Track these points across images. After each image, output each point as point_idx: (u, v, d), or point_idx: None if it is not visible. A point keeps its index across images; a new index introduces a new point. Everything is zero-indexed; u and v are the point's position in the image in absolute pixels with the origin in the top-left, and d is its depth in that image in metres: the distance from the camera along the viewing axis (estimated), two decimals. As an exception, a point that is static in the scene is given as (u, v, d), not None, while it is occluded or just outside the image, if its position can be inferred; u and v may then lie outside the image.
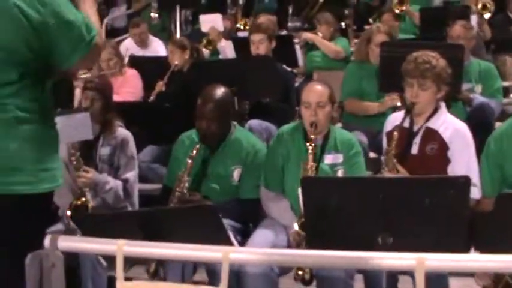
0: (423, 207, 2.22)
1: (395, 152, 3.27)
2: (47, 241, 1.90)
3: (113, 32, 9.77)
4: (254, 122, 4.72)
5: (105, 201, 3.77)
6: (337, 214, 2.31)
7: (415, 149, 3.35)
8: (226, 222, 3.40)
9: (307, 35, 6.37)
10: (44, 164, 2.01)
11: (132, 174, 3.87)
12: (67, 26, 1.94)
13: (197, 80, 4.67)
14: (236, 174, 3.60)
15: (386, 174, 3.21)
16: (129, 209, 3.88)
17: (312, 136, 3.30)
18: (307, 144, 3.29)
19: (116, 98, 5.20)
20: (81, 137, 3.61)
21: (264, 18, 6.64)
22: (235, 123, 3.77)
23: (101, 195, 3.74)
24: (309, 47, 6.48)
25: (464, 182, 2.24)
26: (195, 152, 3.45)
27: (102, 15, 10.18)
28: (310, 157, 3.24)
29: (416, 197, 2.26)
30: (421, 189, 2.27)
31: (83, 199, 3.62)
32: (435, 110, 3.37)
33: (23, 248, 1.90)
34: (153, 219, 2.33)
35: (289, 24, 8.26)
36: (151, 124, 4.76)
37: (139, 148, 5.08)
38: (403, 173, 3.20)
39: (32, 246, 1.89)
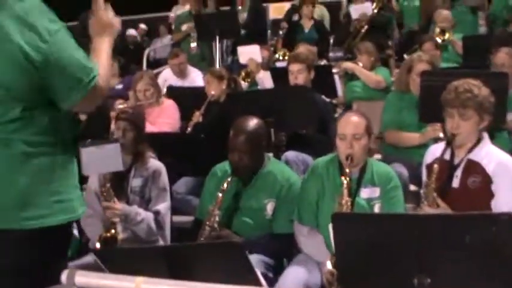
0: (463, 246, 2.05)
1: (436, 185, 3.12)
2: (64, 276, 1.84)
3: (156, 63, 9.90)
4: (291, 154, 4.62)
5: (136, 234, 3.70)
6: (370, 253, 2.16)
7: (456, 183, 3.19)
8: (259, 258, 3.31)
9: (347, 65, 6.26)
10: (57, 196, 1.97)
11: (163, 206, 3.80)
12: (65, 67, 1.91)
13: (233, 110, 4.60)
14: (269, 207, 3.49)
15: (425, 208, 3.06)
16: (161, 242, 3.81)
17: (347, 170, 3.17)
18: (342, 178, 3.16)
19: (153, 128, 5.21)
20: (111, 168, 3.53)
21: (303, 48, 6.57)
22: (269, 155, 3.68)
23: (132, 228, 3.67)
24: (349, 77, 6.36)
25: (508, 219, 2.07)
26: (225, 185, 3.36)
27: (144, 46, 10.33)
28: (345, 192, 3.11)
29: (455, 235, 2.09)
30: (461, 226, 2.11)
31: (113, 231, 3.55)
32: (477, 141, 3.20)
33: (40, 279, 1.87)
34: (178, 255, 2.24)
35: (331, 54, 8.18)
36: (186, 155, 4.70)
37: (175, 179, 5.06)
38: (443, 207, 3.05)
39: (50, 278, 1.85)
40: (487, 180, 3.10)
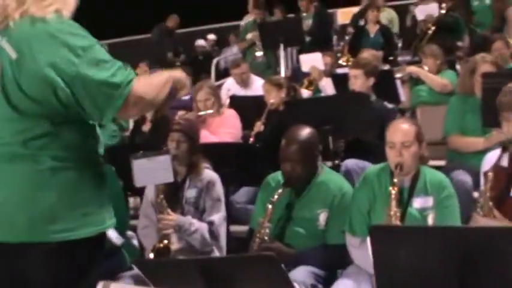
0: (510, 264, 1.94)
1: (492, 194, 2.97)
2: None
3: (225, 72, 9.99)
4: (350, 162, 4.54)
5: (190, 245, 3.72)
6: (409, 268, 2.08)
7: (515, 191, 3.02)
8: (309, 269, 3.27)
9: (412, 69, 6.09)
10: (85, 209, 1.99)
11: (217, 217, 3.81)
12: (96, 81, 1.91)
13: (291, 119, 4.58)
14: (322, 218, 3.43)
15: (480, 218, 2.92)
16: (216, 252, 3.82)
17: (395, 180, 3.07)
18: (390, 188, 3.05)
19: (214, 138, 5.25)
20: (162, 180, 3.59)
21: (367, 54, 6.46)
22: (322, 164, 3.63)
23: (186, 238, 3.70)
24: (415, 81, 6.19)
25: None
26: (276, 197, 3.33)
27: (213, 56, 10.47)
28: (394, 203, 3.02)
29: (504, 251, 1.98)
30: (500, 241, 1.99)
31: (166, 242, 3.59)
32: (538, 145, 3.03)
33: None
34: (214, 267, 2.24)
35: (399, 58, 8.01)
36: (246, 165, 4.70)
37: (236, 189, 5.08)
38: (499, 218, 2.90)
39: None
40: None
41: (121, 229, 3.97)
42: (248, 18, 10.37)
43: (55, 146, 1.95)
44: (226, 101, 6.18)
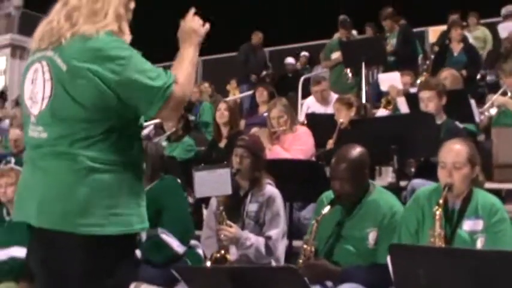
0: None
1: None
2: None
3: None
4: (417, 182, 4.54)
5: (247, 256, 3.86)
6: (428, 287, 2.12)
7: None
8: (355, 287, 3.30)
9: (499, 100, 5.89)
10: (114, 209, 2.18)
11: (275, 232, 3.92)
12: (139, 84, 2.13)
13: (357, 138, 4.63)
14: (371, 237, 3.45)
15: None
16: (274, 265, 3.94)
17: (441, 201, 3.06)
18: (435, 209, 3.05)
19: (287, 154, 5.37)
20: (220, 192, 3.77)
21: (447, 73, 6.37)
22: (374, 183, 3.66)
23: (242, 251, 3.84)
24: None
25: None
26: (322, 214, 3.40)
27: (303, 73, 10.59)
28: (438, 223, 3.01)
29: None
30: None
31: (223, 252, 3.76)
32: None
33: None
34: (242, 275, 2.38)
35: (488, 78, 7.81)
36: (313, 181, 4.79)
37: (304, 205, 5.18)
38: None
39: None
40: None
41: (184, 238, 4.20)
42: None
43: (96, 148, 2.17)
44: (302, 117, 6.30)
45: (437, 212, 3.04)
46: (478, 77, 8.14)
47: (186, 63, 2.30)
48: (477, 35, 9.61)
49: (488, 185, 5.42)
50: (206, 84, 10.71)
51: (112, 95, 2.15)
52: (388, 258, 2.35)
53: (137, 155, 2.30)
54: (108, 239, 2.15)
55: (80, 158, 2.15)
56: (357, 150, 3.52)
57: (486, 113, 5.92)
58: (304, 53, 12.14)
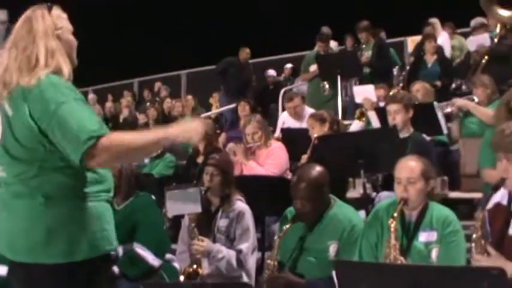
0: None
1: (494, 231, 3.06)
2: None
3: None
4: (384, 194, 4.70)
5: (219, 270, 4.02)
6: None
7: (512, 230, 3.09)
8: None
9: (459, 102, 6.07)
10: (78, 237, 2.34)
11: (245, 246, 4.10)
12: (67, 130, 2.25)
13: (324, 153, 4.80)
14: (332, 249, 3.63)
15: (476, 256, 3.01)
16: (245, 278, 4.10)
17: (395, 214, 3.23)
18: (389, 221, 3.22)
19: (261, 169, 5.52)
20: (190, 210, 3.94)
21: (419, 86, 6.55)
22: (335, 198, 3.82)
23: (215, 264, 4.00)
24: (465, 112, 6.19)
25: (499, 274, 2.08)
26: (283, 231, 3.57)
27: (284, 85, 10.72)
28: (392, 235, 3.18)
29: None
30: (452, 280, 2.15)
31: (195, 266, 3.92)
32: (535, 186, 3.08)
33: None
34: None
35: (463, 87, 7.96)
36: (283, 196, 4.94)
37: (277, 219, 5.33)
38: (494, 255, 2.97)
39: None
40: (541, 229, 2.97)
41: (159, 252, 4.36)
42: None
43: (49, 185, 2.33)
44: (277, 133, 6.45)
45: (392, 225, 3.21)
46: (454, 86, 8.31)
47: (144, 138, 2.40)
48: (453, 43, 9.81)
49: (457, 194, 5.61)
50: (189, 97, 10.82)
51: (45, 139, 2.30)
52: (334, 273, 2.51)
53: (82, 186, 2.41)
54: (77, 264, 2.32)
55: (36, 196, 2.32)
56: (316, 170, 3.69)
57: (445, 110, 6.06)
58: (288, 65, 12.28)
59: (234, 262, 4.03)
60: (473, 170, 5.26)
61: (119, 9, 17.67)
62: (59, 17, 2.52)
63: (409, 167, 3.39)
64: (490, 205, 3.25)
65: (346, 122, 7.24)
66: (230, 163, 4.40)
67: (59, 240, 2.31)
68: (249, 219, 4.19)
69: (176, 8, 17.01)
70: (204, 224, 4.18)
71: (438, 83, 7.53)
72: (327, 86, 7.79)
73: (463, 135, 6.10)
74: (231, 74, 10.26)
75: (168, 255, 4.44)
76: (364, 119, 6.56)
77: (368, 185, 5.42)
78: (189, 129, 2.51)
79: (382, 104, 6.16)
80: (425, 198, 3.40)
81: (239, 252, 4.07)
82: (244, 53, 10.52)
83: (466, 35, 9.37)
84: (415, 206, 3.36)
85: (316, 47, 8.77)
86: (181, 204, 3.89)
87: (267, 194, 4.73)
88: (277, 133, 6.92)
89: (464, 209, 5.56)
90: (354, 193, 5.51)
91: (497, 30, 7.28)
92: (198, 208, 3.89)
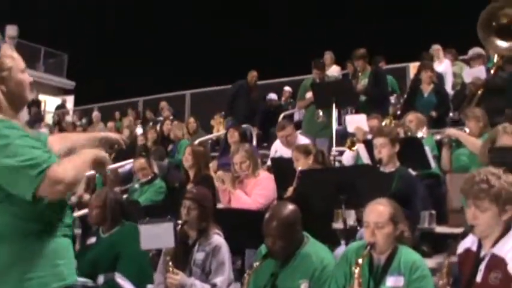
0: None
1: (464, 277, 3.05)
2: None
3: (296, 125, 10.20)
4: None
5: (193, 303, 4.02)
6: None
7: (479, 277, 3.04)
8: None
9: (451, 131, 6.03)
10: (28, 274, 2.37)
11: (220, 280, 4.09)
12: (12, 168, 2.29)
13: (306, 188, 4.80)
14: (303, 288, 3.61)
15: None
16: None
17: (360, 260, 3.21)
18: (353, 267, 3.20)
19: (247, 199, 5.52)
20: (164, 245, 3.94)
21: (412, 117, 6.54)
22: (308, 235, 3.81)
23: (189, 297, 4.00)
24: (457, 144, 6.15)
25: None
26: (253, 268, 3.56)
27: (284, 109, 10.71)
28: (356, 282, 3.15)
29: None
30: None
31: (171, 298, 3.92)
32: (503, 233, 3.04)
33: None
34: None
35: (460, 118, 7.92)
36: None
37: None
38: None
39: None
40: (507, 279, 2.90)
41: (141, 283, 4.39)
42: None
43: None
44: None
45: (356, 271, 3.18)
46: (451, 115, 8.28)
47: (81, 157, 2.50)
48: (455, 70, 9.80)
49: (444, 229, 5.58)
50: (191, 120, 10.85)
51: None
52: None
53: (30, 224, 2.44)
54: None
55: None
56: (288, 209, 3.68)
57: (436, 137, 6.03)
58: (286, 88, 12.30)
59: (208, 296, 4.03)
60: (459, 205, 5.23)
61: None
62: (8, 57, 2.55)
63: (377, 210, 3.37)
64: (460, 250, 3.24)
65: (341, 149, 7.23)
66: (208, 197, 4.40)
67: (9, 279, 2.34)
68: (225, 253, 4.18)
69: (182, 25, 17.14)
70: (181, 256, 4.18)
71: (434, 114, 7.51)
72: (320, 113, 7.77)
73: (453, 167, 6.06)
74: (240, 98, 10.28)
75: (150, 286, 4.46)
76: (355, 148, 6.54)
77: (352, 218, 5.44)
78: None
79: (370, 137, 6.12)
80: (394, 242, 3.38)
81: (213, 286, 4.07)
82: (251, 76, 10.55)
83: (468, 62, 9.35)
84: (383, 250, 3.35)
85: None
86: (155, 238, 3.89)
87: (246, 228, 4.71)
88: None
89: (452, 243, 5.51)
90: (340, 224, 5.49)
91: (495, 59, 7.28)
92: (171, 243, 3.89)
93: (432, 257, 5.39)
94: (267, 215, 3.69)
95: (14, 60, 2.57)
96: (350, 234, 4.92)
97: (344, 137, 7.28)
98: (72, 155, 2.52)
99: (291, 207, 3.71)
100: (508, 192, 2.99)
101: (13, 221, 2.39)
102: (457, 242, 3.21)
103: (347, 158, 6.82)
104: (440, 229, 5.54)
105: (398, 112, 8.36)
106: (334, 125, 7.31)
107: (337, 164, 7.03)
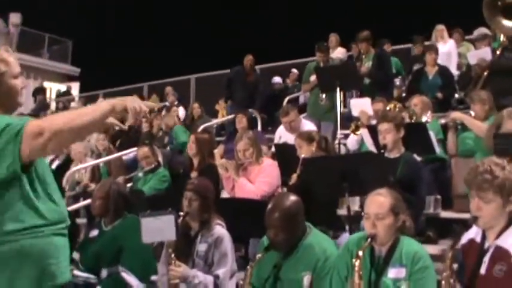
0: None
1: (467, 269, 3.00)
2: None
3: (304, 107, 10.13)
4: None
5: (196, 295, 4.01)
6: None
7: (483, 269, 2.99)
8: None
9: (456, 115, 5.92)
10: (17, 274, 2.40)
11: (222, 271, 4.08)
12: None
13: (309, 176, 4.76)
14: (306, 280, 3.58)
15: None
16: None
17: (360, 252, 3.16)
18: (354, 260, 3.16)
19: (251, 187, 5.48)
20: (165, 238, 3.92)
21: (417, 100, 6.46)
22: (310, 226, 3.77)
23: (192, 288, 4.00)
24: (462, 127, 6.07)
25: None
26: (256, 260, 3.53)
27: (289, 93, 10.62)
28: (356, 275, 3.11)
29: None
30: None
31: (172, 290, 3.92)
32: (507, 225, 2.99)
33: None
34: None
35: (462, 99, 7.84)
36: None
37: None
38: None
39: None
40: (511, 271, 2.87)
41: (144, 275, 4.39)
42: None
43: None
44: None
45: (357, 263, 3.13)
46: (457, 96, 8.19)
47: (83, 111, 2.48)
48: (461, 51, 9.67)
49: (449, 214, 5.53)
50: (196, 105, 10.82)
51: None
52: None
53: (35, 218, 2.45)
54: None
55: None
56: (289, 200, 3.65)
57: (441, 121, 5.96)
58: (293, 70, 12.20)
59: (211, 287, 4.01)
60: (464, 190, 5.16)
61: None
62: (2, 61, 2.54)
63: (377, 202, 3.32)
64: (463, 240, 3.19)
65: (346, 132, 7.16)
66: (209, 188, 4.37)
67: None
68: (227, 244, 4.16)
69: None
70: (184, 248, 4.17)
71: (439, 95, 7.43)
72: (323, 96, 7.71)
73: (459, 151, 5.99)
74: (237, 83, 10.22)
75: (154, 277, 4.46)
76: (359, 132, 6.48)
77: (357, 205, 5.40)
78: (127, 100, 2.56)
79: (373, 122, 6.06)
80: (396, 233, 3.34)
81: (216, 277, 4.06)
82: (247, 60, 10.45)
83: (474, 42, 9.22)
84: (384, 242, 3.30)
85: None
86: (156, 231, 3.87)
87: (250, 217, 4.69)
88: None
89: (458, 228, 5.48)
90: (344, 211, 5.46)
91: (501, 39, 7.15)
92: (172, 235, 3.87)
93: (438, 242, 5.37)
94: (269, 206, 3.65)
95: (8, 65, 2.55)
96: (354, 220, 4.89)
97: (349, 120, 7.22)
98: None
99: (293, 198, 3.67)
100: None
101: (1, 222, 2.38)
102: (461, 233, 3.16)
103: (351, 142, 6.77)
104: (445, 214, 5.49)
105: (404, 94, 8.30)
106: (339, 109, 7.23)
107: (342, 147, 6.99)
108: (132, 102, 2.55)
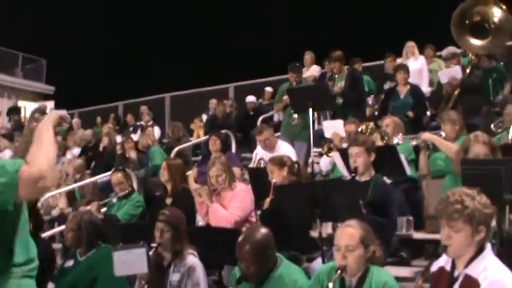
0: None
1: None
2: None
3: (279, 126, 10.15)
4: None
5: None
6: None
7: (453, 298, 3.04)
8: None
9: (426, 136, 5.98)
10: None
11: (196, 301, 4.08)
12: None
13: (282, 202, 4.78)
14: (278, 311, 3.60)
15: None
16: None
17: (330, 285, 3.19)
18: (324, 292, 3.19)
19: (224, 212, 5.48)
20: (137, 271, 3.93)
21: (389, 120, 6.53)
22: (281, 257, 3.79)
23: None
24: (434, 148, 6.13)
25: None
26: None
27: (264, 111, 10.67)
28: (327, 306, 3.14)
29: None
30: None
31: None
32: (477, 253, 3.01)
33: None
34: None
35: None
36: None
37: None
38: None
39: None
40: (480, 300, 2.91)
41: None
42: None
43: None
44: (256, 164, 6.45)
45: (328, 295, 3.17)
46: (428, 114, 8.28)
47: (45, 145, 2.48)
48: (433, 67, 9.79)
49: (422, 235, 5.59)
50: (179, 124, 10.59)
51: None
52: None
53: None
54: None
55: None
56: (260, 233, 3.68)
57: (412, 143, 6.03)
58: (268, 88, 12.26)
59: (184, 317, 4.02)
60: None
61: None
62: None
63: (347, 233, 3.35)
64: (434, 268, 3.22)
65: (320, 150, 7.17)
66: (181, 218, 4.39)
67: None
68: (200, 273, 4.19)
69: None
70: (157, 278, 4.19)
71: (411, 114, 7.51)
72: (295, 116, 7.76)
73: (430, 172, 6.05)
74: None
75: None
76: (331, 155, 6.52)
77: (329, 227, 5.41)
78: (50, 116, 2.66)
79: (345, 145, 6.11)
80: (366, 263, 3.37)
81: (189, 307, 4.06)
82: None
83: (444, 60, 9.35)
84: (355, 273, 3.34)
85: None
86: (128, 264, 3.88)
87: (223, 245, 4.68)
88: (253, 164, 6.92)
89: (430, 248, 5.53)
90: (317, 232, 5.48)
91: (470, 56, 7.26)
92: (144, 268, 3.88)
93: (411, 263, 5.42)
94: (240, 239, 3.67)
95: None
96: (328, 243, 4.90)
97: (323, 138, 7.24)
98: (33, 144, 2.49)
99: (263, 230, 3.70)
100: (482, 213, 2.96)
101: None
102: (430, 264, 3.19)
103: (325, 163, 6.82)
104: (418, 235, 5.54)
105: (376, 113, 8.37)
106: (312, 128, 7.26)
107: (316, 166, 7.02)
108: (54, 115, 2.69)
